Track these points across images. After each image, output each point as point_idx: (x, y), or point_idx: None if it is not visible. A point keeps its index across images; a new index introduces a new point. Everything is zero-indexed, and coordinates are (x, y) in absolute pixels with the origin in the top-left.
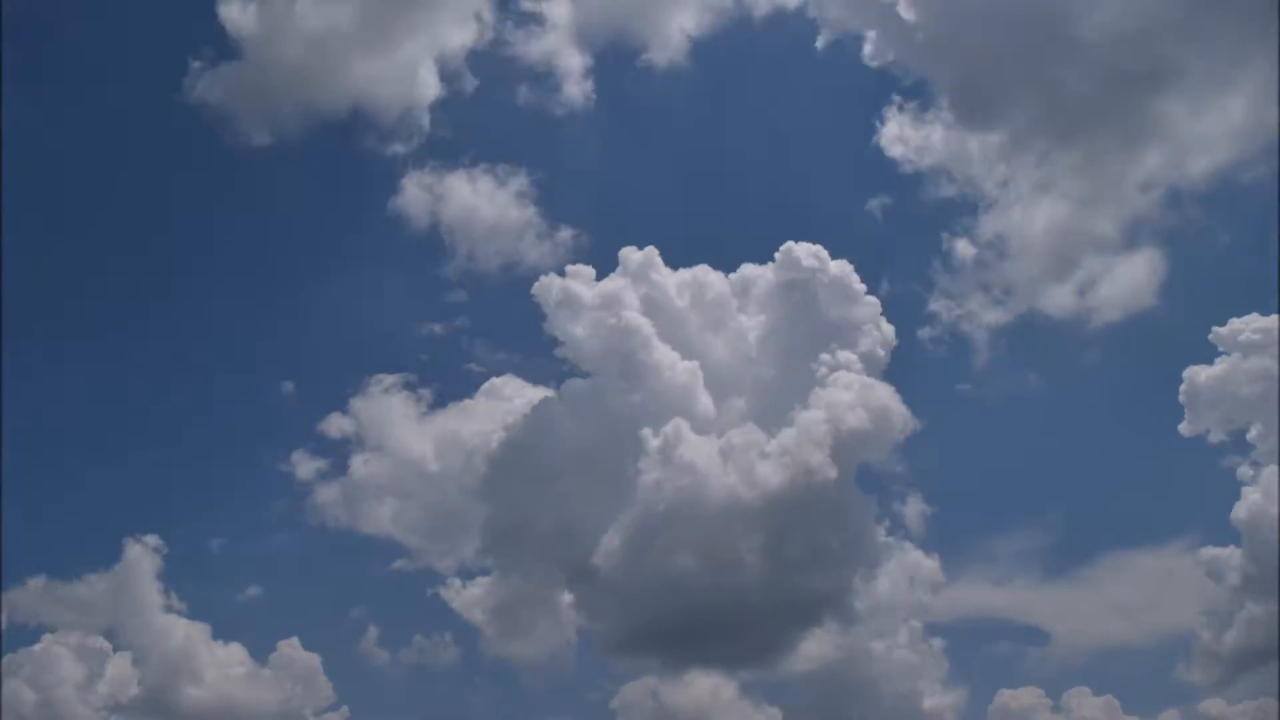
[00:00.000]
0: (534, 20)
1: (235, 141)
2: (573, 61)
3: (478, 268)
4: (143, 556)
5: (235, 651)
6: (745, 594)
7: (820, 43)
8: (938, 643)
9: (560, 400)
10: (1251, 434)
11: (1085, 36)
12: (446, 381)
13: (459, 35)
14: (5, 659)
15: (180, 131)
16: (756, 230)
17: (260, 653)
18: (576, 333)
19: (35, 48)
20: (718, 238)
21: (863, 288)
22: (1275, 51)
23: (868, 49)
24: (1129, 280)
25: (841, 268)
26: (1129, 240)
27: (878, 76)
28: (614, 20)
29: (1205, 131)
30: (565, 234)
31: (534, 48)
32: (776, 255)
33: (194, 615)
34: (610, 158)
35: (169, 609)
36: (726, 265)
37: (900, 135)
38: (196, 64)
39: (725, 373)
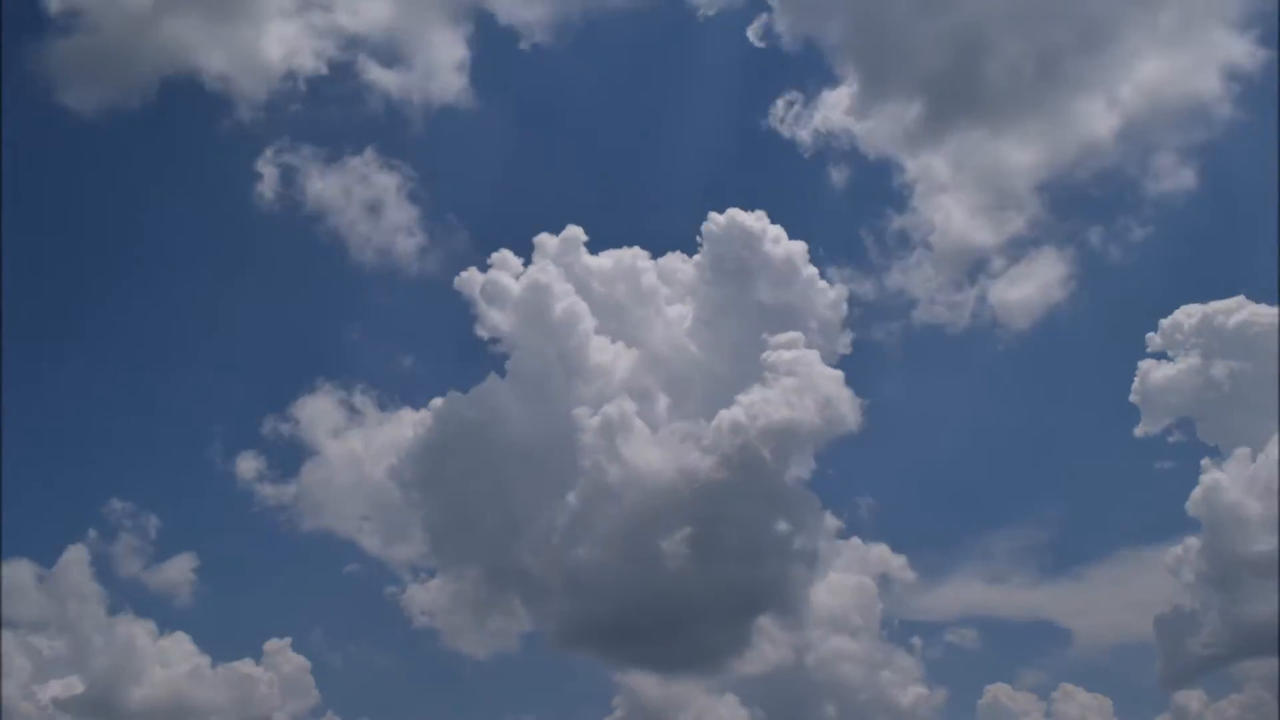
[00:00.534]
0: None
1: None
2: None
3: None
4: (83, 555)
5: (182, 649)
6: (682, 588)
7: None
8: (902, 639)
9: (489, 394)
10: (1202, 426)
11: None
12: (377, 383)
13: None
14: None
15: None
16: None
17: (212, 651)
18: (505, 324)
19: None
20: (634, 222)
21: (812, 270)
22: None
23: (762, 23)
24: (1037, 281)
25: (786, 247)
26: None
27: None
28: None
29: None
30: (453, 223)
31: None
32: (706, 232)
33: (140, 613)
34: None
35: (114, 608)
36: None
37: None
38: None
39: (660, 359)
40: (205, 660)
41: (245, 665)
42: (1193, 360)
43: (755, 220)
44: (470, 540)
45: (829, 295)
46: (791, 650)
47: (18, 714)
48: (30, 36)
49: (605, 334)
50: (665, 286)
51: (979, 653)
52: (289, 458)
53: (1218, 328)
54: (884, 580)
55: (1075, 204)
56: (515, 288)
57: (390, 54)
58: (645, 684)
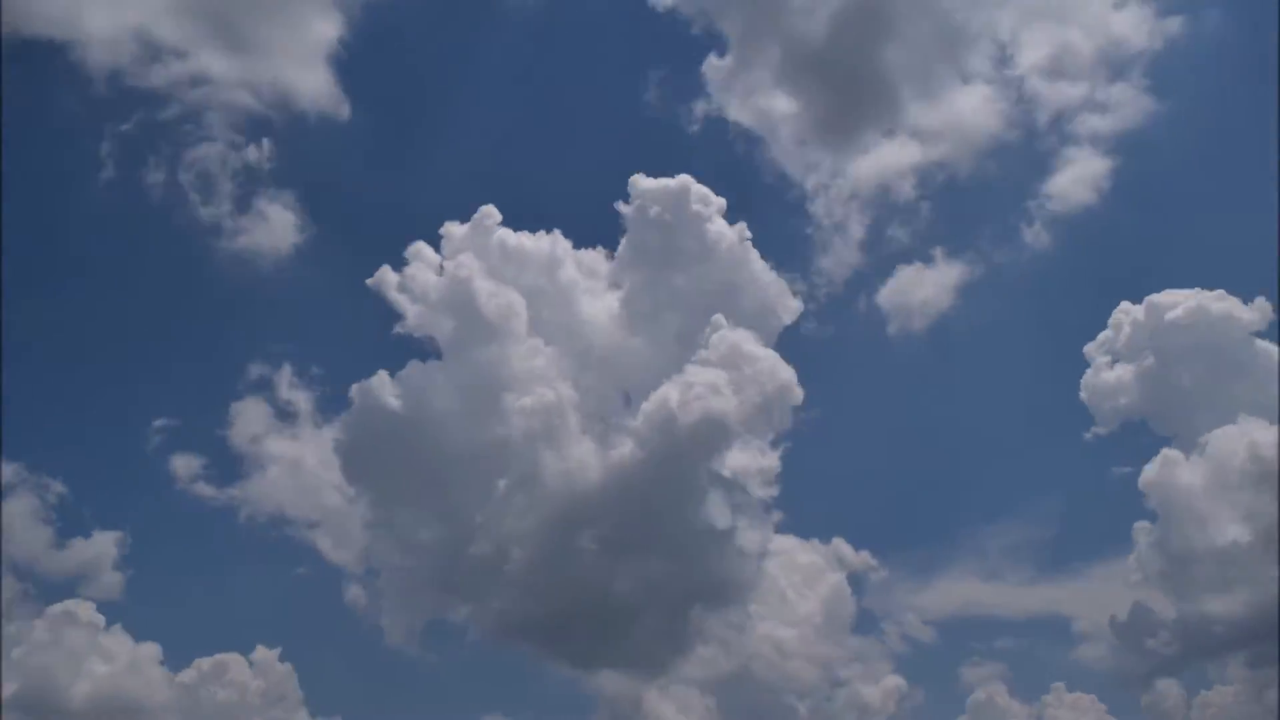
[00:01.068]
0: None
1: None
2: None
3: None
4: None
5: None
6: (608, 583)
7: None
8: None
9: (413, 388)
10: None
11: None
12: (305, 388)
13: None
14: None
15: None
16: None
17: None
18: (425, 317)
19: None
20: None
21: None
22: None
23: None
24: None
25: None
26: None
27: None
28: None
29: None
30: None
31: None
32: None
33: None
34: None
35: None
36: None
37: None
38: None
39: (584, 344)
40: (151, 660)
41: (194, 670)
42: (1139, 357)
43: (679, 185)
44: (403, 537)
45: (768, 279)
46: (732, 646)
47: None
48: None
49: (530, 322)
50: (587, 271)
51: (944, 648)
52: (226, 462)
53: (1163, 322)
54: (848, 577)
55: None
56: (432, 279)
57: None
58: (593, 682)
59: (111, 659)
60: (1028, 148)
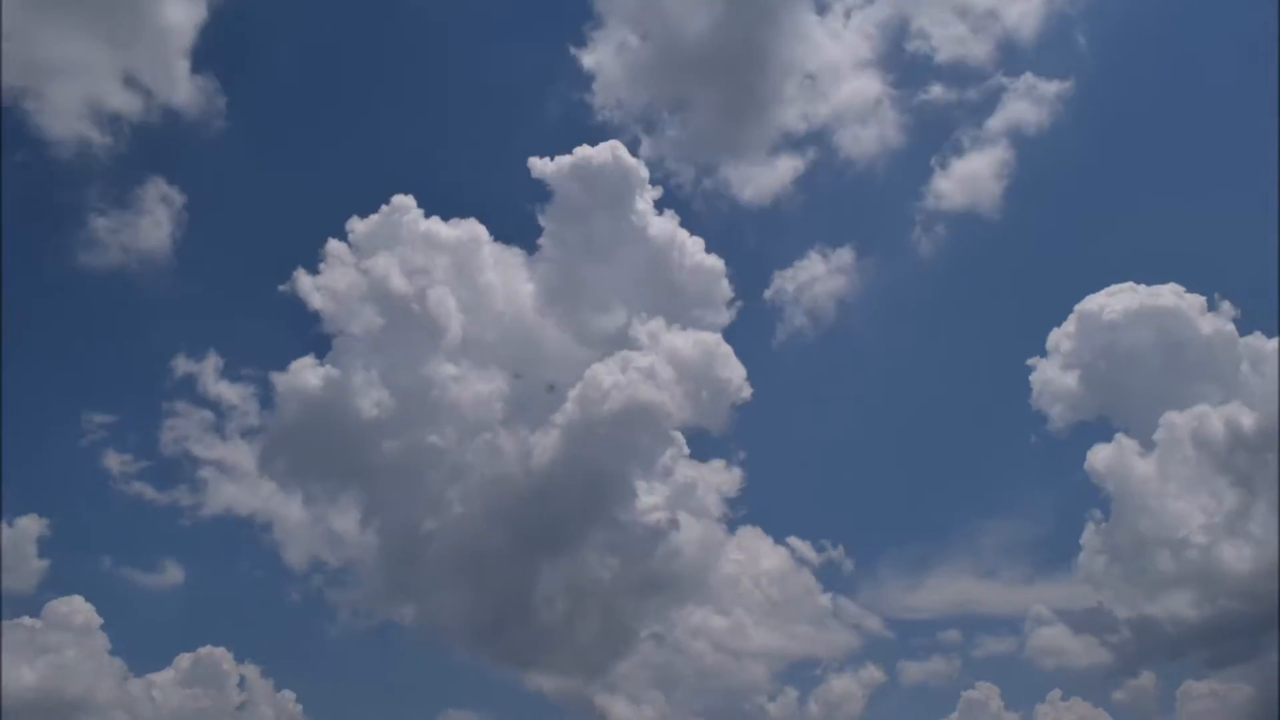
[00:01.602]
0: None
1: None
2: None
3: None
4: None
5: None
6: (534, 581)
7: None
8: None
9: (335, 383)
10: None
11: None
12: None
13: None
14: None
15: None
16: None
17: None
18: (344, 311)
19: None
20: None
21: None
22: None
23: None
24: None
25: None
26: None
27: None
28: None
29: None
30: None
31: None
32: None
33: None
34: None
35: None
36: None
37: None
38: None
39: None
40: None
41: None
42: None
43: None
44: (329, 538)
45: (700, 266)
46: (681, 643)
47: None
48: None
49: (450, 309)
50: (506, 258)
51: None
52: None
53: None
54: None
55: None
56: (352, 276)
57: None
58: (536, 683)
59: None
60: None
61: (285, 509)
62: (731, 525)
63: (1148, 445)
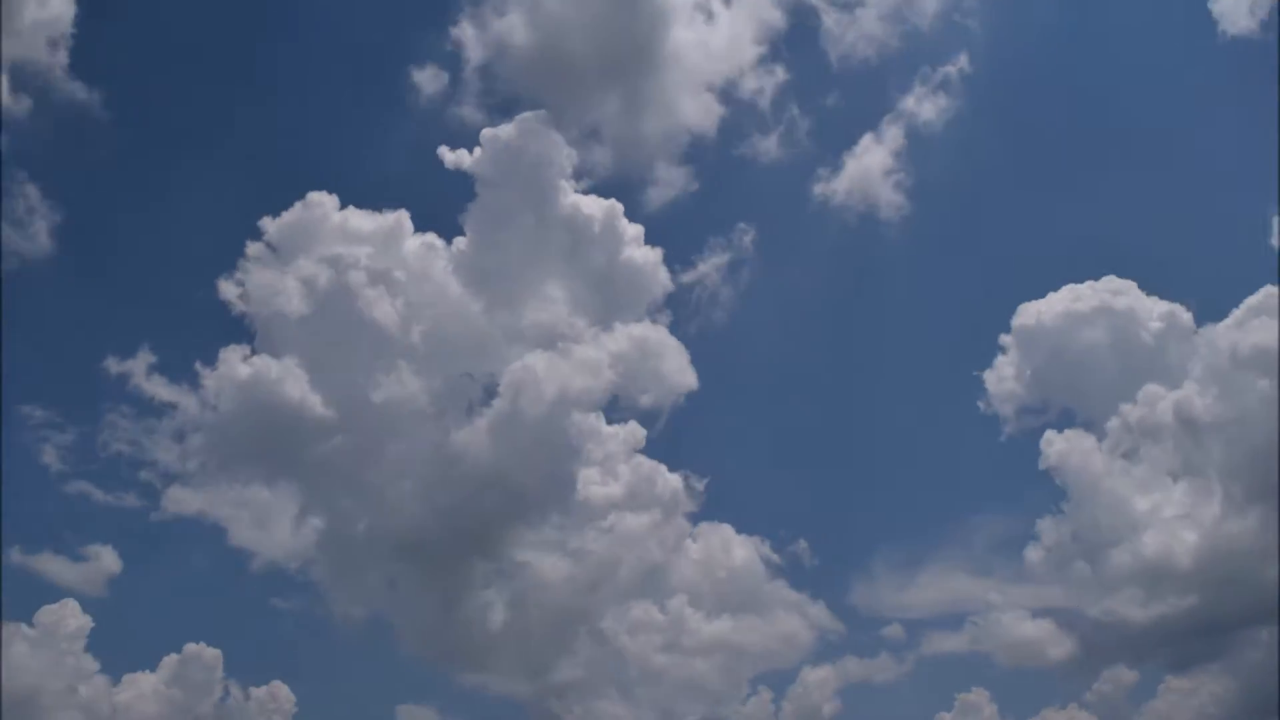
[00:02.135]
0: None
1: None
2: None
3: None
4: None
5: None
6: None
7: None
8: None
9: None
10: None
11: None
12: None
13: None
14: None
15: None
16: None
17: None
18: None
19: None
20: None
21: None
22: None
23: None
24: None
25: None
26: None
27: None
28: None
29: None
30: None
31: None
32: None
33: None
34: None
35: None
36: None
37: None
38: None
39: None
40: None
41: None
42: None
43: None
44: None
45: (636, 252)
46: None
47: None
48: None
49: (378, 306)
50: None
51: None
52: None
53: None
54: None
55: None
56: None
57: None
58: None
59: None
60: None
61: (222, 508)
62: (688, 519)
63: (1101, 436)
